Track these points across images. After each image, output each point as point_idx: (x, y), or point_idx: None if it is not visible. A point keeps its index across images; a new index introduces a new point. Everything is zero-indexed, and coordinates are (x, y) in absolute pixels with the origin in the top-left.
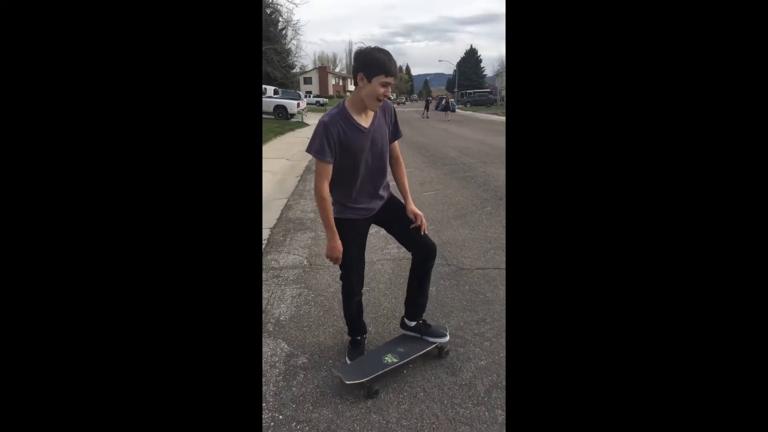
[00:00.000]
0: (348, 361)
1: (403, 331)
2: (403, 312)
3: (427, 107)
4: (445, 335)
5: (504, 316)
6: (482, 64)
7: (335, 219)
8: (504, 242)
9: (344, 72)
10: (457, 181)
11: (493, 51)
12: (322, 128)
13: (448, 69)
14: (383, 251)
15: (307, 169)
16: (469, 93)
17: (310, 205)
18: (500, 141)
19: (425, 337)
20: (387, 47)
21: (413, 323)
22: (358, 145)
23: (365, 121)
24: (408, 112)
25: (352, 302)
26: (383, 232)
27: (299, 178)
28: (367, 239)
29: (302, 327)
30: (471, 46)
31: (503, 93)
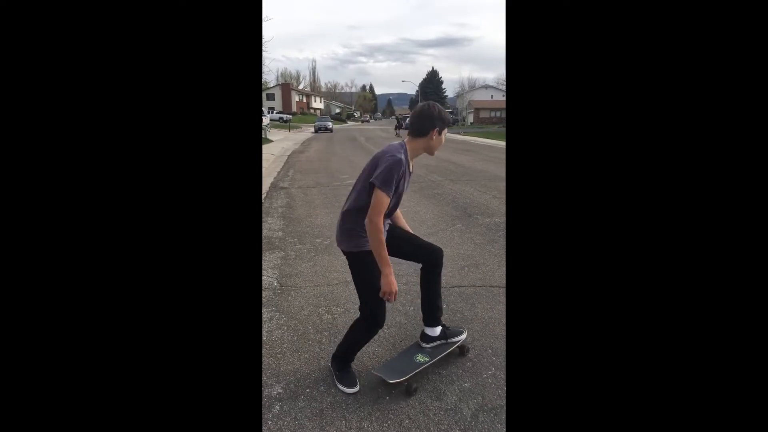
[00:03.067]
0: (344, 389)
1: (425, 345)
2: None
3: (399, 125)
4: (463, 332)
5: (484, 335)
6: (443, 86)
7: (364, 252)
8: (477, 260)
9: (307, 89)
10: (426, 198)
11: (453, 73)
12: (396, 165)
13: (411, 89)
14: None
15: (273, 186)
16: None
17: (277, 223)
18: (465, 159)
19: (449, 340)
20: (350, 67)
21: (437, 331)
22: (404, 186)
23: (411, 166)
24: (372, 129)
25: (374, 333)
26: None
27: (265, 195)
28: (340, 257)
29: (275, 354)
30: (432, 67)
31: (464, 114)
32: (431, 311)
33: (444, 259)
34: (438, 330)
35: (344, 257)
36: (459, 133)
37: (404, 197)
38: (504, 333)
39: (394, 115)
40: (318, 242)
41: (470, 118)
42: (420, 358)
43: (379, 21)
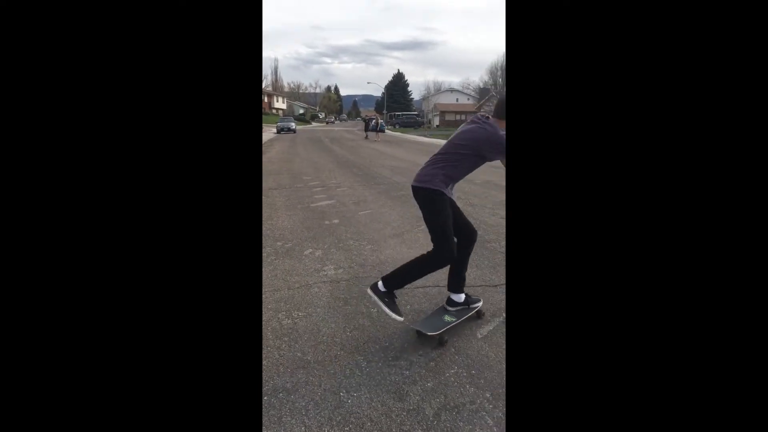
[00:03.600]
0: (396, 316)
1: (451, 309)
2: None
3: (367, 127)
4: (480, 300)
5: (447, 333)
6: (409, 88)
7: (440, 193)
8: None
9: (269, 89)
10: (392, 200)
11: (419, 76)
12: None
13: (377, 91)
14: (319, 273)
15: None
16: (398, 115)
17: None
18: None
19: (471, 306)
20: (314, 67)
21: (461, 297)
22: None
23: None
24: (338, 131)
25: (443, 265)
26: (318, 253)
27: None
28: (302, 261)
29: None
30: (398, 70)
31: (430, 116)
32: (457, 281)
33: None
34: (462, 297)
35: (320, 253)
36: (425, 135)
37: (370, 198)
38: (466, 331)
39: (361, 116)
40: (279, 245)
41: (436, 121)
42: (448, 318)
43: (344, 22)
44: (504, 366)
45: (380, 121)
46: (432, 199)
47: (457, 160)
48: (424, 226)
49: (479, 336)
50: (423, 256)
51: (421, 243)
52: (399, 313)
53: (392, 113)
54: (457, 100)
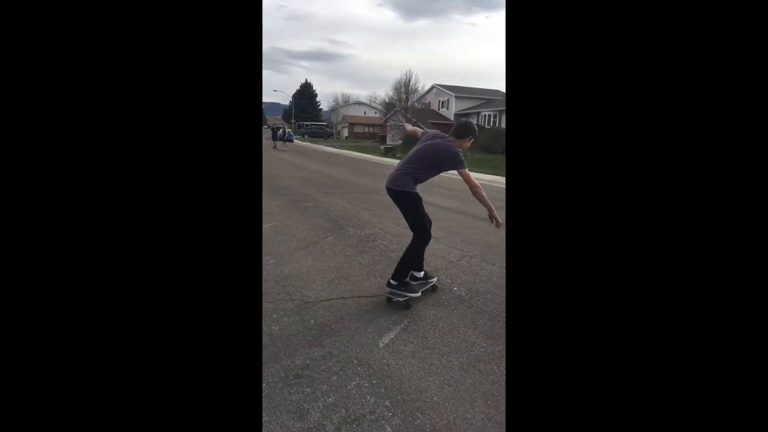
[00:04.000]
0: (415, 294)
1: (414, 283)
2: None
3: (274, 137)
4: (434, 277)
5: (350, 346)
6: (318, 98)
7: (415, 194)
8: (347, 272)
9: None
10: (299, 212)
11: (327, 87)
12: (460, 151)
13: (284, 99)
14: None
15: None
16: (307, 125)
17: None
18: (338, 172)
19: (428, 280)
20: None
21: (421, 273)
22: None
23: None
24: None
25: (426, 244)
26: None
27: None
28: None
29: None
30: (306, 79)
31: (339, 128)
32: (419, 261)
33: (314, 274)
34: (422, 273)
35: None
36: (334, 146)
37: (275, 210)
38: (368, 341)
39: (268, 125)
40: None
41: (345, 132)
42: (413, 286)
43: None
44: (403, 372)
45: (288, 130)
46: (411, 200)
47: (423, 168)
48: (330, 238)
49: (381, 345)
50: (409, 246)
51: (328, 255)
52: (416, 291)
53: (300, 123)
54: (365, 113)
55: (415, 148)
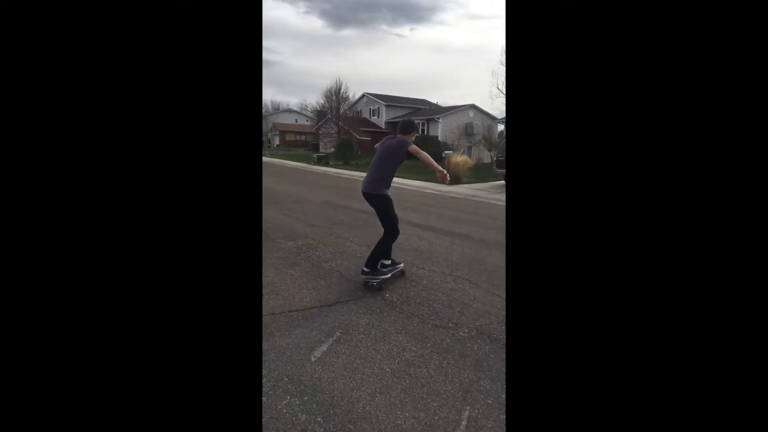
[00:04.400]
0: (388, 276)
1: (383, 269)
2: None
3: None
4: (401, 263)
5: (280, 363)
6: None
7: (383, 195)
8: (278, 286)
9: None
10: None
11: None
12: (406, 142)
13: None
14: None
15: None
16: None
17: None
18: (269, 182)
19: (396, 266)
20: None
21: (389, 261)
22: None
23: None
24: None
25: (395, 238)
26: None
27: None
28: None
29: None
30: None
31: (269, 136)
32: (388, 251)
33: None
34: (389, 261)
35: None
36: (266, 155)
37: None
38: (300, 357)
39: None
40: None
41: (276, 141)
42: (384, 271)
43: None
44: (335, 386)
45: None
46: (383, 202)
47: (389, 165)
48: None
49: (313, 359)
50: (381, 239)
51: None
52: (386, 275)
53: None
54: (296, 120)
55: (376, 155)
